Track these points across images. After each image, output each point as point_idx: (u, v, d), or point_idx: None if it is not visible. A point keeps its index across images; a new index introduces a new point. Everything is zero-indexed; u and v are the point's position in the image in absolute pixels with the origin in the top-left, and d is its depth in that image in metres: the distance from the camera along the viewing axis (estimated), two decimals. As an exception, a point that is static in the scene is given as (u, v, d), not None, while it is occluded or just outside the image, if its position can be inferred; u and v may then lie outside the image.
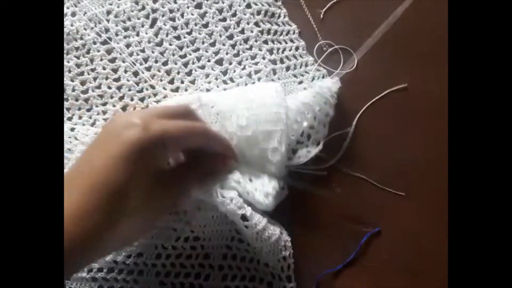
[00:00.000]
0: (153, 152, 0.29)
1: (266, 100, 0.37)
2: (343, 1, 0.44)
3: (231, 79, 0.43)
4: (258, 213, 0.36)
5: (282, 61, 0.43)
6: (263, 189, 0.36)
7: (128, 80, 0.42)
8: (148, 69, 0.43)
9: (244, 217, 0.35)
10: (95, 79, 0.42)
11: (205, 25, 0.43)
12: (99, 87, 0.42)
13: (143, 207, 0.29)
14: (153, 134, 0.28)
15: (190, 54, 0.43)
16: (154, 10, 0.44)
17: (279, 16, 0.44)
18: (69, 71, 0.42)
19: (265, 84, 0.40)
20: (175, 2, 0.44)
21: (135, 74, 0.43)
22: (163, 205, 0.32)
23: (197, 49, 0.43)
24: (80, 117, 0.42)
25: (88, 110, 0.42)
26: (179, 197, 0.34)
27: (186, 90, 0.42)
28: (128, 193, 0.27)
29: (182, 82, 0.43)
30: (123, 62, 0.43)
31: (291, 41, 0.44)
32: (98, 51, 0.43)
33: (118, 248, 0.36)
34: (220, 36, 0.43)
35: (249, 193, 0.35)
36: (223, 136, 0.36)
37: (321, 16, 0.44)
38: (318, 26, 0.44)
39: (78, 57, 0.43)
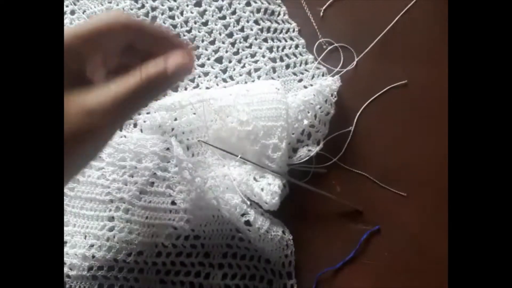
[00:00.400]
0: (67, 50, 0.26)
1: (267, 96, 0.37)
2: (343, -1, 0.44)
3: (231, 77, 0.43)
4: (260, 212, 0.36)
5: (282, 59, 0.43)
6: (270, 188, 0.36)
7: (127, 79, 0.42)
8: (148, 67, 0.43)
9: (247, 222, 0.35)
10: (94, 77, 0.42)
11: (205, 23, 0.43)
12: (98, 85, 0.42)
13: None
14: (68, 32, 0.26)
15: (189, 52, 0.43)
16: (153, 8, 0.44)
17: (279, 14, 0.44)
18: (69, 70, 0.42)
19: (266, 82, 0.40)
20: (175, 0, 0.44)
21: (135, 72, 0.42)
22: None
23: (197, 47, 0.43)
24: (79, 116, 0.42)
25: (88, 108, 0.42)
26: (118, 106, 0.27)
27: (185, 88, 0.42)
28: None
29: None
30: (123, 60, 0.42)
31: (291, 39, 0.43)
32: (97, 49, 0.43)
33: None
34: (220, 34, 0.43)
35: (256, 195, 0.35)
36: (154, 25, 0.30)
37: (321, 14, 0.44)
38: (318, 24, 0.43)
39: (77, 56, 0.43)
